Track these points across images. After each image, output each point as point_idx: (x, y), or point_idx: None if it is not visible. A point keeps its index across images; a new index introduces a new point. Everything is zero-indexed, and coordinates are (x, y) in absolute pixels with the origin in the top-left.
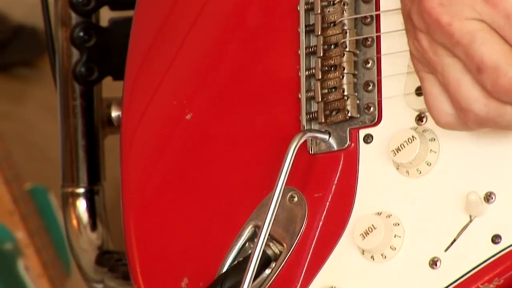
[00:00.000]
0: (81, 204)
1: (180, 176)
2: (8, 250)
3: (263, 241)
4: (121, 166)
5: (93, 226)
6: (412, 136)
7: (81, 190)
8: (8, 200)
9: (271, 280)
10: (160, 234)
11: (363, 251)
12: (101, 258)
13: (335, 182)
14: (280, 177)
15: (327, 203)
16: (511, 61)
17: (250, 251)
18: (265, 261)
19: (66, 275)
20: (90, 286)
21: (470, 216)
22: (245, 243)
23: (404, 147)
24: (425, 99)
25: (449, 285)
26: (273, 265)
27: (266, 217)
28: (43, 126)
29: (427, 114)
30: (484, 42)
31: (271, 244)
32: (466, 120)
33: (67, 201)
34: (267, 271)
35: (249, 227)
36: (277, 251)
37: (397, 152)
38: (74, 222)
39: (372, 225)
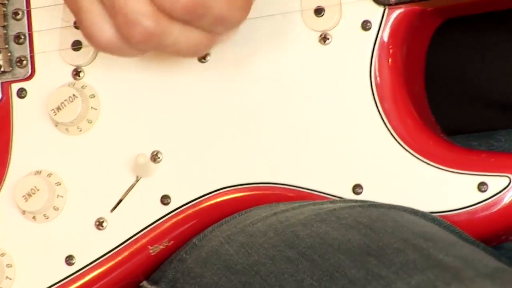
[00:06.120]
0: None
1: None
2: None
3: None
4: None
5: None
6: (73, 95)
7: None
8: None
9: None
10: None
11: (24, 212)
12: None
13: None
14: None
15: None
16: None
17: None
18: None
19: None
20: None
21: (137, 176)
22: None
23: (65, 106)
24: (83, 18)
25: (117, 247)
26: None
27: None
28: None
29: (84, 69)
30: None
31: None
32: (131, 35)
33: None
34: None
35: None
36: None
37: (58, 111)
38: None
39: (35, 187)
